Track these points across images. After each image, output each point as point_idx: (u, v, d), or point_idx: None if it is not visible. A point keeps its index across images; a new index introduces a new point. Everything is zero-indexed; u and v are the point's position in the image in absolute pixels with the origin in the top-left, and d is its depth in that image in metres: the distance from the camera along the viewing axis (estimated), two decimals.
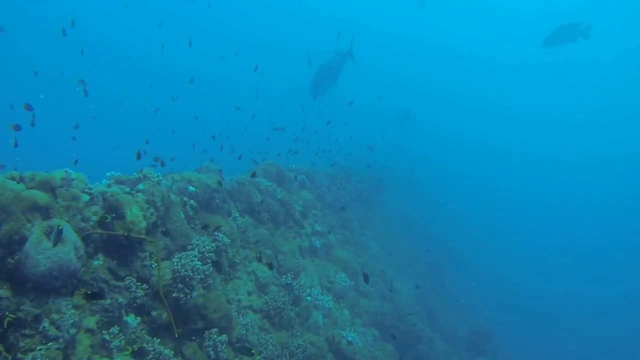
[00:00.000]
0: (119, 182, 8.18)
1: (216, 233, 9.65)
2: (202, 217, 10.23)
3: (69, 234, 5.43)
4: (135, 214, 7.10)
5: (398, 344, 15.64)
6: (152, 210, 7.69)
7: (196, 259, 8.11)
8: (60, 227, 5.24)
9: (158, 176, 8.68)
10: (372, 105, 40.80)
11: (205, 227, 9.87)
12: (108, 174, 8.25)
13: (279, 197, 14.42)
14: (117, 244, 6.83)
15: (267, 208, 13.56)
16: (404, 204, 29.69)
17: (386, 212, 28.17)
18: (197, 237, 8.91)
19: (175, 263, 7.54)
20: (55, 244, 5.10)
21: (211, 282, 8.22)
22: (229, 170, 15.07)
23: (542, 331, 27.40)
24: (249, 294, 10.55)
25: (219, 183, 10.87)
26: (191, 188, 9.90)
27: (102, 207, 6.75)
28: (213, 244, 9.13)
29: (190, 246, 8.75)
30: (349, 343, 12.98)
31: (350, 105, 21.02)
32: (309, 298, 12.89)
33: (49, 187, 5.87)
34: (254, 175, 12.53)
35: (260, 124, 20.98)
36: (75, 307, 5.58)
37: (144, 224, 7.22)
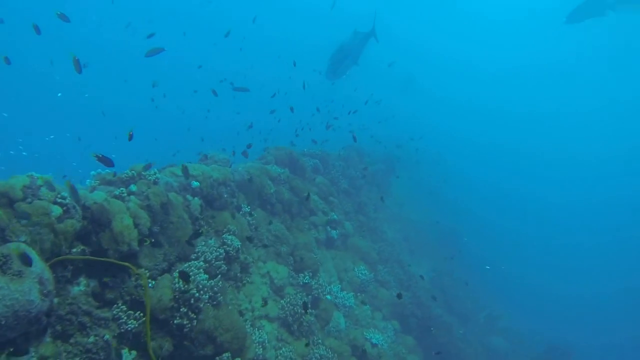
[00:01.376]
0: (107, 182, 6.83)
1: (225, 236, 8.34)
2: (208, 215, 8.92)
3: (33, 263, 4.12)
4: (126, 224, 5.78)
5: (418, 331, 14.87)
6: (146, 217, 6.37)
7: (202, 271, 6.83)
8: (20, 255, 3.93)
9: (155, 173, 7.29)
10: (383, 71, 39.08)
11: (211, 228, 8.58)
12: (92, 172, 6.91)
13: (292, 184, 13.09)
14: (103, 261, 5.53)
15: (281, 198, 12.23)
16: (414, 184, 28.31)
17: (396, 192, 26.86)
18: (203, 243, 7.61)
19: (177, 280, 6.25)
20: (9, 281, 3.79)
21: (221, 298, 6.95)
22: (238, 159, 13.79)
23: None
24: (264, 300, 9.30)
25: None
26: (195, 183, 8.54)
27: (82, 218, 5.42)
28: (221, 250, 7.84)
29: (195, 254, 7.46)
30: (374, 346, 11.85)
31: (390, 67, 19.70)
32: (328, 297, 11.68)
33: (5, 201, 4.53)
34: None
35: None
36: (42, 359, 4.30)
37: (135, 236, 5.90)
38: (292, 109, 12.57)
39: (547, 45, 52.63)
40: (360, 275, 13.88)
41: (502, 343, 21.08)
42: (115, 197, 6.40)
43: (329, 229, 14.26)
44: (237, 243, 8.38)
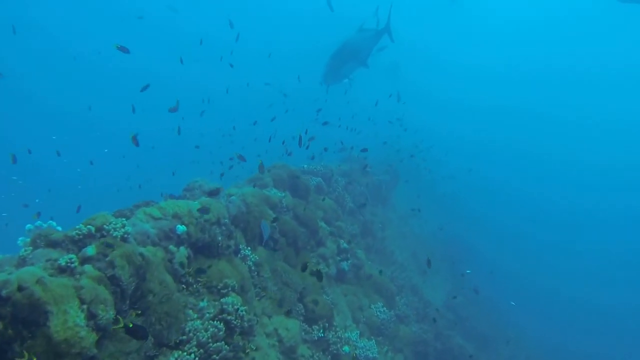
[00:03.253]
0: (49, 244, 4.64)
1: (224, 300, 6.20)
2: (200, 266, 6.76)
3: None
4: (71, 325, 3.62)
5: None
6: (109, 298, 4.21)
7: None
8: None
9: (122, 225, 5.11)
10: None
11: (204, 285, 6.44)
12: (27, 226, 4.75)
13: (297, 212, 10.99)
14: None
15: (284, 230, 10.11)
16: (414, 195, 26.32)
17: (398, 204, 24.93)
18: (194, 320, 5.46)
19: None
20: None
21: None
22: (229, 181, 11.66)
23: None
24: None
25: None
26: (180, 228, 6.38)
27: None
28: (220, 324, 5.70)
29: (185, 335, 5.31)
30: None
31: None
32: (346, 348, 9.57)
33: None
34: (261, 168, 9.17)
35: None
36: None
37: (90, 341, 3.74)
38: (274, 119, 10.42)
39: (559, 46, 50.96)
40: (378, 313, 11.82)
41: None
42: (60, 270, 4.23)
43: (339, 259, 12.19)
44: (240, 308, 6.24)
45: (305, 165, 14.74)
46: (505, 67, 54.20)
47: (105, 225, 4.98)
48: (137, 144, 7.62)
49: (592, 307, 25.91)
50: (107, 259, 4.63)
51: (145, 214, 6.29)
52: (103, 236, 4.95)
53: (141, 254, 5.17)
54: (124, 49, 8.02)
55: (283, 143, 13.25)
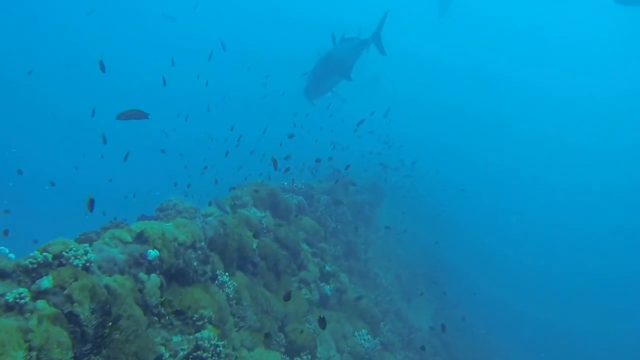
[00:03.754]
0: None
1: (199, 335, 5.57)
2: (173, 296, 6.13)
3: None
4: None
5: None
6: (66, 341, 3.58)
7: None
8: None
9: (85, 252, 4.48)
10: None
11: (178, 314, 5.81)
12: None
13: (278, 234, 10.42)
14: None
15: (264, 253, 9.52)
16: (398, 213, 25.86)
17: (383, 223, 24.49)
18: (167, 359, 4.83)
19: None
20: None
21: None
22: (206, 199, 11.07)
23: None
24: None
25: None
26: (152, 253, 5.76)
27: None
28: None
29: None
30: None
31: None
32: None
33: None
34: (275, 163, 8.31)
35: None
36: None
37: None
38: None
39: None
40: (362, 342, 11.24)
41: None
42: (7, 308, 3.59)
43: (322, 284, 11.63)
44: (218, 343, 5.62)
45: (285, 183, 14.20)
46: (495, 75, 53.72)
47: (64, 252, 4.35)
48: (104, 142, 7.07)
49: (577, 335, 25.79)
50: (65, 292, 4.01)
51: (113, 237, 5.66)
52: (62, 265, 4.31)
53: (106, 286, 4.55)
54: (102, 67, 7.55)
55: (263, 156, 12.74)
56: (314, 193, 15.13)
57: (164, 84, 11.75)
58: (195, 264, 6.73)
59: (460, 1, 42.21)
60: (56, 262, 4.31)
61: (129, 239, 5.72)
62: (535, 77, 53.50)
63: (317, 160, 13.12)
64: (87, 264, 4.44)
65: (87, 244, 4.88)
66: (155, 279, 5.68)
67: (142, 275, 5.52)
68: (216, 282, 7.46)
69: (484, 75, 53.05)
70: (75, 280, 4.13)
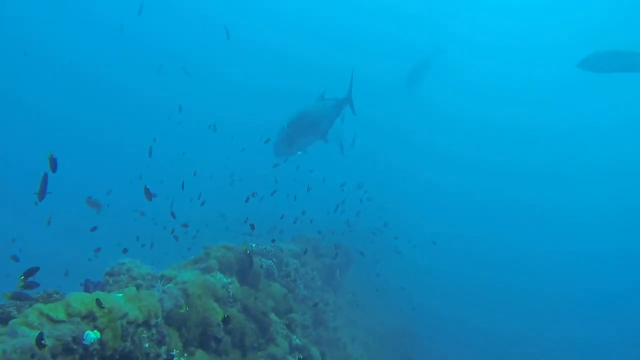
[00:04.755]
0: None
1: None
2: None
3: None
4: None
5: None
6: None
7: None
8: None
9: None
10: None
11: None
12: None
13: (245, 304, 9.16)
14: None
15: (231, 327, 8.21)
16: (368, 278, 24.64)
17: (351, 288, 23.29)
18: None
19: None
20: None
21: None
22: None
23: None
24: None
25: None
26: (91, 335, 4.48)
27: None
28: None
29: None
30: None
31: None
32: None
33: None
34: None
35: None
36: None
37: None
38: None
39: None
40: None
41: None
42: None
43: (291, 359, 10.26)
44: None
45: (254, 245, 13.02)
46: (484, 121, 54.24)
47: None
48: (54, 169, 5.56)
49: None
50: None
51: (40, 314, 4.37)
52: None
53: None
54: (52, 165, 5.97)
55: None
56: (284, 257, 13.99)
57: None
58: (147, 345, 5.43)
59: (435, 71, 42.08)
60: None
61: (62, 317, 4.45)
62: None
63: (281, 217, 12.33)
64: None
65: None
66: None
67: None
68: None
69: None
70: None
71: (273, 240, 13.76)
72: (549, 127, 53.08)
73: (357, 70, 12.23)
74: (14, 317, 4.37)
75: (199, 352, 7.24)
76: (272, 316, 10.45)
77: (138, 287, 6.30)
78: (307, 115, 12.92)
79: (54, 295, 5.20)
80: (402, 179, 40.67)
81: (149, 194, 4.92)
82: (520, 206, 46.68)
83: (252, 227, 7.29)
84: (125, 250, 9.84)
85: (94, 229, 11.32)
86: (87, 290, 5.81)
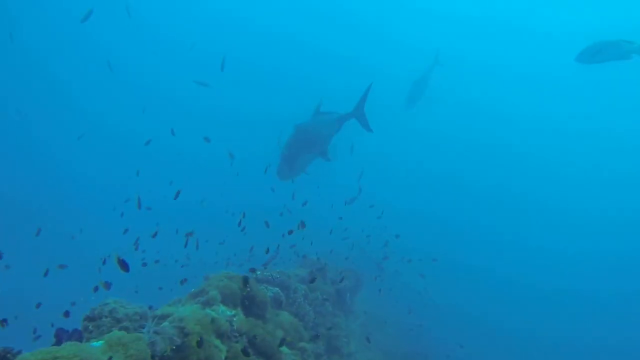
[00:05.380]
0: None
1: None
2: None
3: None
4: None
5: None
6: None
7: None
8: None
9: None
10: None
11: None
12: None
13: (252, 338, 8.39)
14: None
15: None
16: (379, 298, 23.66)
17: (362, 310, 22.38)
18: None
19: None
20: None
21: None
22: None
23: None
24: None
25: None
26: None
27: None
28: None
29: None
30: None
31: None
32: None
33: None
34: None
35: None
36: None
37: None
38: None
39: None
40: None
41: None
42: None
43: None
44: None
45: (258, 272, 12.29)
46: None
47: None
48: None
49: None
50: None
51: None
52: None
53: None
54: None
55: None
56: (291, 283, 13.22)
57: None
58: None
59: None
60: None
61: None
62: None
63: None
64: None
65: None
66: None
67: None
68: None
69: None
70: None
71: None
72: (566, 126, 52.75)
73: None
74: None
75: None
76: (283, 349, 9.67)
77: (125, 330, 5.56)
78: (304, 132, 12.32)
79: (7, 356, 4.38)
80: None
81: (124, 266, 4.63)
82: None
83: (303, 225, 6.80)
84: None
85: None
86: (58, 342, 5.02)
